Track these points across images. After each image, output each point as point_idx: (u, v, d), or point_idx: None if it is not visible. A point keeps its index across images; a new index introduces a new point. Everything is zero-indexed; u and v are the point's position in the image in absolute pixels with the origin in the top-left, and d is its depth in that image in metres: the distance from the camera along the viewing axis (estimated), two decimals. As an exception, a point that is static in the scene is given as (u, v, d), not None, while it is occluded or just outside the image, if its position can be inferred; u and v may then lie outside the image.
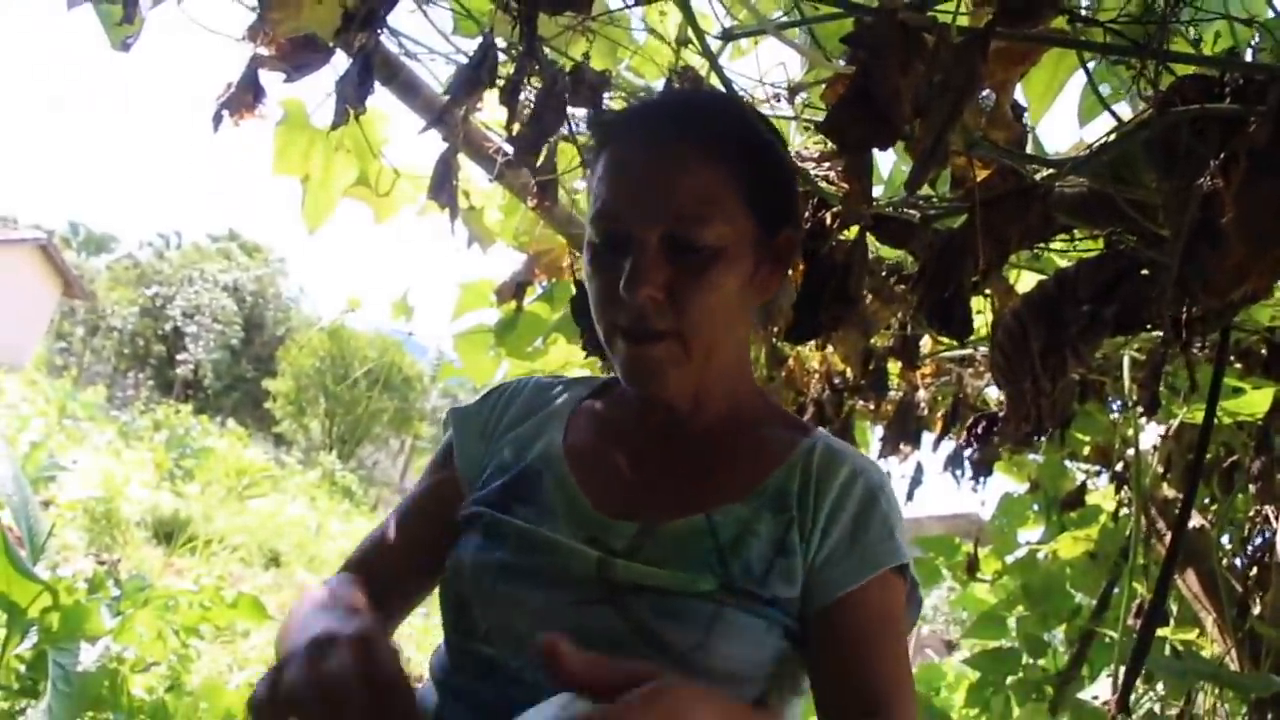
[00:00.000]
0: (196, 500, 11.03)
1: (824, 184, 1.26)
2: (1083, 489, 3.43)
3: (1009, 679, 3.45)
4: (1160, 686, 2.70)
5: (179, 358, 27.03)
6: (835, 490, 1.02)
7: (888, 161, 1.80)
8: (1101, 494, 3.65)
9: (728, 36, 1.12)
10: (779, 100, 1.33)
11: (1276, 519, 2.11)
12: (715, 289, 0.97)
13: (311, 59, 1.79)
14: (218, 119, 1.82)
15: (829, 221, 1.23)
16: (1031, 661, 3.45)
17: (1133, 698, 2.23)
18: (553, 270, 2.84)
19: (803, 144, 1.37)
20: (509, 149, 1.94)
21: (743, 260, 1.00)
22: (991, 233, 1.05)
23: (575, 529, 1.02)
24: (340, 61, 1.81)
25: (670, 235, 0.96)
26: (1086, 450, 3.31)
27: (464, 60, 1.83)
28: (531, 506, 1.05)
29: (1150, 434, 2.29)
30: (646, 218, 0.96)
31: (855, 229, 1.36)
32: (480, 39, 1.37)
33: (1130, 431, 2.52)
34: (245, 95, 1.82)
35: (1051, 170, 1.06)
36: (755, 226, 1.00)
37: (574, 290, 2.79)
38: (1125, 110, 1.31)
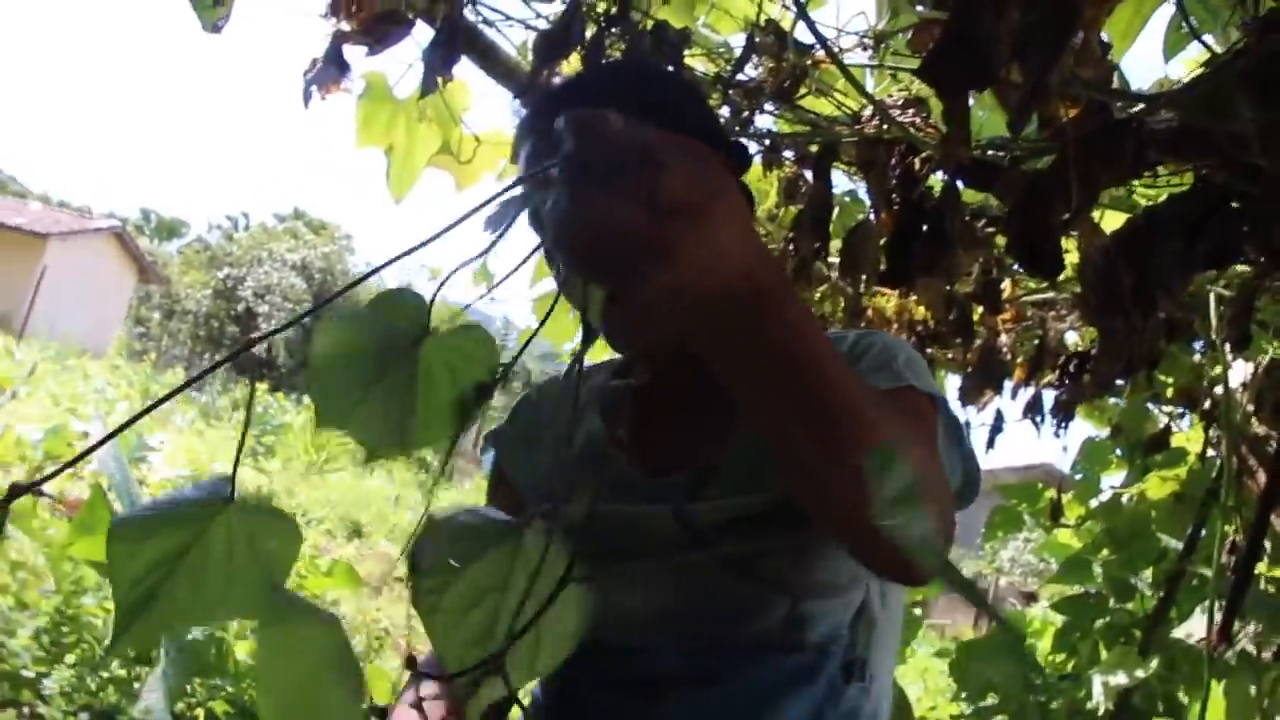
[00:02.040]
0: (278, 476, 11.31)
1: (911, 130, 1.28)
2: (1167, 431, 3.40)
3: (1096, 623, 3.45)
4: (1253, 626, 2.69)
5: (252, 337, 27.54)
6: (847, 346, 1.04)
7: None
8: (1185, 436, 3.61)
9: (815, -12, 1.14)
10: (864, 49, 1.34)
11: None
12: None
13: (393, 31, 1.83)
14: (307, 95, 1.87)
15: (917, 166, 1.25)
16: (1118, 605, 3.44)
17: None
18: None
19: (884, 90, 1.39)
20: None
21: None
22: (1083, 171, 1.06)
23: (635, 497, 1.05)
24: (420, 33, 1.87)
25: None
26: (1170, 392, 3.27)
27: (540, 25, 1.87)
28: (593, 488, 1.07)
29: (1237, 372, 2.27)
30: None
31: (937, 174, 1.38)
32: (563, 3, 1.39)
33: (1217, 370, 2.50)
34: (331, 70, 1.88)
35: (1142, 106, 1.07)
36: None
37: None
38: (1212, 43, 1.30)
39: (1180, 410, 3.42)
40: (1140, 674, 2.88)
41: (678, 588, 1.01)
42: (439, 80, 1.52)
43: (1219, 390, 2.31)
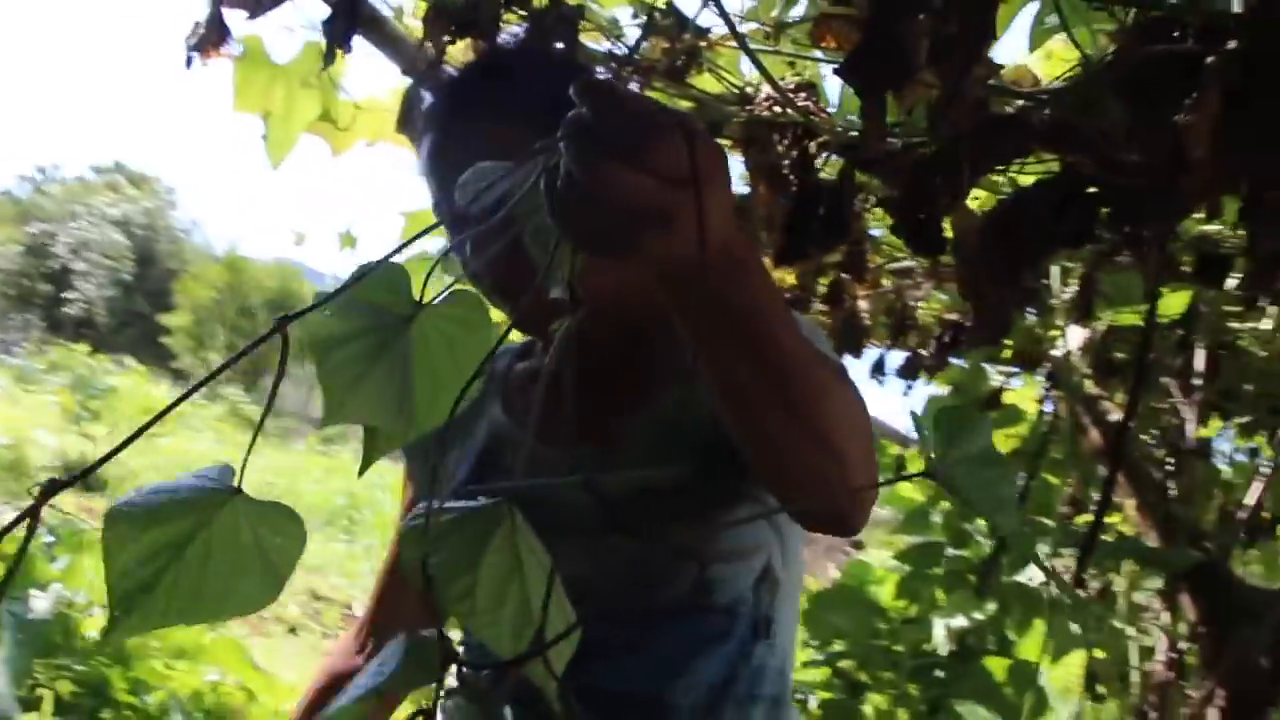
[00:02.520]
0: (105, 442, 10.80)
1: (801, 115, 1.35)
2: (1000, 390, 3.64)
3: (936, 570, 3.68)
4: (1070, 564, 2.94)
5: (68, 296, 26.08)
6: None
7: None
8: (1017, 394, 3.87)
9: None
10: (765, 35, 1.41)
11: (1188, 410, 2.31)
12: None
13: (274, -5, 1.80)
14: (189, 60, 1.82)
15: (812, 150, 1.33)
16: (955, 553, 3.68)
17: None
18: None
19: (778, 75, 1.46)
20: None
21: None
22: (973, 160, 1.15)
23: (544, 473, 1.08)
24: (301, -1, 1.84)
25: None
26: (1006, 354, 3.50)
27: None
28: (501, 476, 1.12)
29: (1073, 337, 2.46)
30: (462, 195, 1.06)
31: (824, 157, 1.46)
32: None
33: (1052, 334, 2.70)
34: (213, 35, 1.83)
35: (1024, 103, 1.17)
36: None
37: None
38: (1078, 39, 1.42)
39: (1014, 370, 3.66)
40: (978, 615, 3.11)
41: (592, 560, 1.04)
42: (338, 53, 1.51)
43: (1055, 353, 2.50)
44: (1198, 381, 2.23)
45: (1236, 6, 1.10)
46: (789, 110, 1.37)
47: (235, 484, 0.60)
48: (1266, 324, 2.29)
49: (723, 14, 1.16)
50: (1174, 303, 2.08)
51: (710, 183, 0.60)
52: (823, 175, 1.48)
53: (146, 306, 27.51)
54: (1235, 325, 2.31)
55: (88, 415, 11.17)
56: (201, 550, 0.58)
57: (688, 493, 1.04)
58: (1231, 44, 0.98)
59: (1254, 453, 3.05)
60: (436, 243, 3.30)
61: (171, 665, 3.60)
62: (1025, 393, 3.91)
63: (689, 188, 0.58)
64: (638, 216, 0.58)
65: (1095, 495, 2.80)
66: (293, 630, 7.28)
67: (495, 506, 0.65)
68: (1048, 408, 3.42)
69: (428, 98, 1.27)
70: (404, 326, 0.65)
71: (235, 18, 1.85)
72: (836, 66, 0.91)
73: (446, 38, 1.50)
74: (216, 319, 25.03)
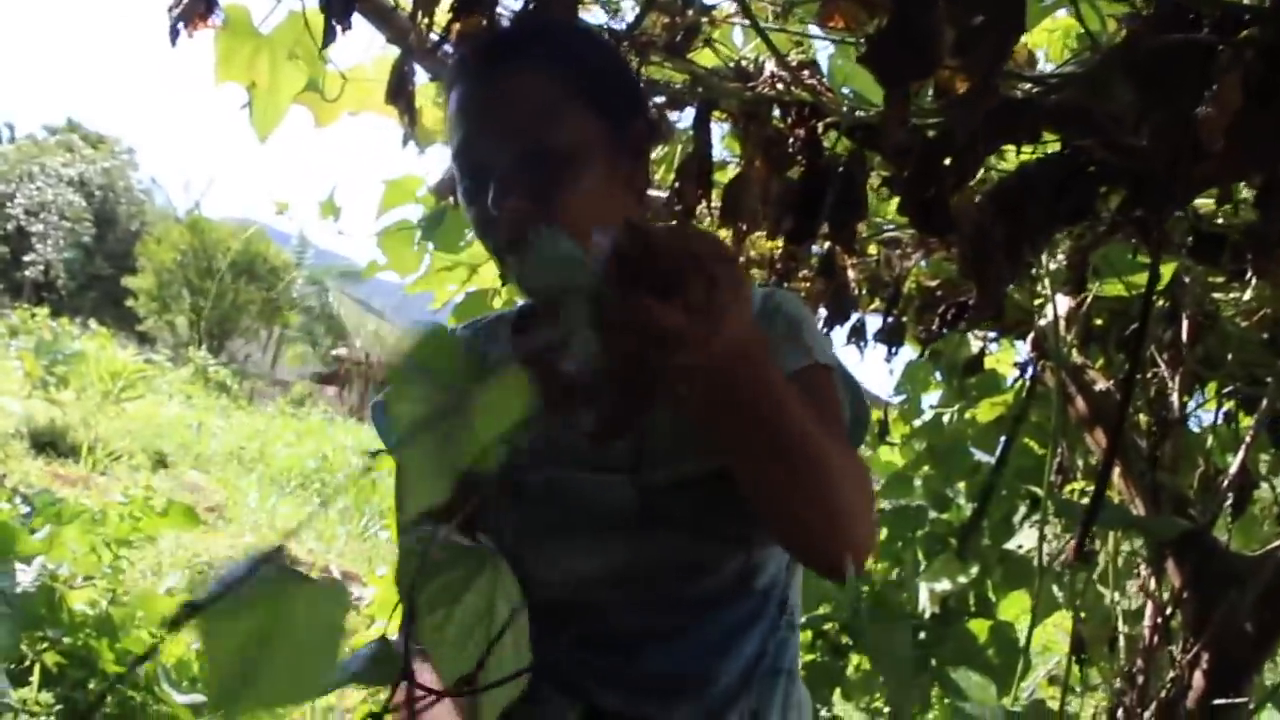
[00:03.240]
0: (72, 407, 10.69)
1: (810, 93, 1.35)
2: (981, 354, 3.67)
3: (917, 533, 3.73)
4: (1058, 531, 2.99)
5: (26, 259, 25.62)
6: (757, 309, 1.09)
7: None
8: (996, 358, 3.91)
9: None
10: (774, 14, 1.40)
11: (1172, 380, 2.34)
12: (576, 188, 1.04)
13: (262, -35, 1.77)
14: (174, 32, 1.79)
15: (819, 129, 1.33)
16: (936, 516, 3.72)
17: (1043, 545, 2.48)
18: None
19: (784, 52, 1.45)
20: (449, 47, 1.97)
21: (598, 158, 1.07)
22: (988, 141, 1.16)
23: (579, 466, 1.08)
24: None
25: (521, 151, 1.04)
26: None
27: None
28: (534, 460, 1.09)
29: (1060, 306, 2.48)
30: (498, 140, 1.05)
31: (835, 135, 1.46)
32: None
33: (1036, 303, 2.72)
34: (199, 5, 1.80)
35: (1036, 88, 1.17)
36: (603, 126, 1.08)
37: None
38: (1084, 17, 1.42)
39: (994, 335, 3.69)
40: (962, 579, 3.16)
41: (635, 552, 1.06)
42: (338, 30, 1.49)
43: (1041, 322, 2.52)
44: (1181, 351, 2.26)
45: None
46: (794, 88, 1.37)
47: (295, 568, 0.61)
48: (1248, 294, 2.32)
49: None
50: (1162, 274, 2.09)
51: (736, 307, 0.72)
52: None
53: (108, 269, 27.12)
54: (1219, 296, 2.34)
55: (53, 380, 11.03)
56: (285, 638, 0.59)
57: (728, 480, 1.05)
58: (1245, 34, 0.99)
59: (1229, 417, 3.10)
60: (416, 210, 3.28)
61: (156, 634, 3.60)
62: (1004, 356, 3.95)
63: (719, 315, 0.70)
64: (669, 340, 0.69)
65: (1081, 464, 2.84)
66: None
67: (484, 552, 0.70)
68: (1026, 372, 3.46)
69: (452, 54, 1.28)
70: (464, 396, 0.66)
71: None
72: (859, 56, 0.91)
73: (448, 15, 1.48)
74: (180, 281, 24.71)
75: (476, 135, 1.07)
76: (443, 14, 2.01)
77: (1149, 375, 2.36)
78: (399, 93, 1.93)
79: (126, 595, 3.69)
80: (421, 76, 2.36)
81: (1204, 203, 1.63)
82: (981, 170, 1.60)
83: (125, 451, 9.76)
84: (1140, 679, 2.32)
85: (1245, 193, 1.54)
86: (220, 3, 1.88)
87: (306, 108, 2.25)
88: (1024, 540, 2.90)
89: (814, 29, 1.35)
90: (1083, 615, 2.58)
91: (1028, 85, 1.22)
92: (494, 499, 1.09)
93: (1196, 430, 2.99)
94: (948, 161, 1.26)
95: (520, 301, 1.29)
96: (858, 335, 3.20)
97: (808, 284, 2.84)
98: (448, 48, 1.94)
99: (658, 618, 1.07)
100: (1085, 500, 2.69)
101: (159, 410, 12.90)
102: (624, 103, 1.14)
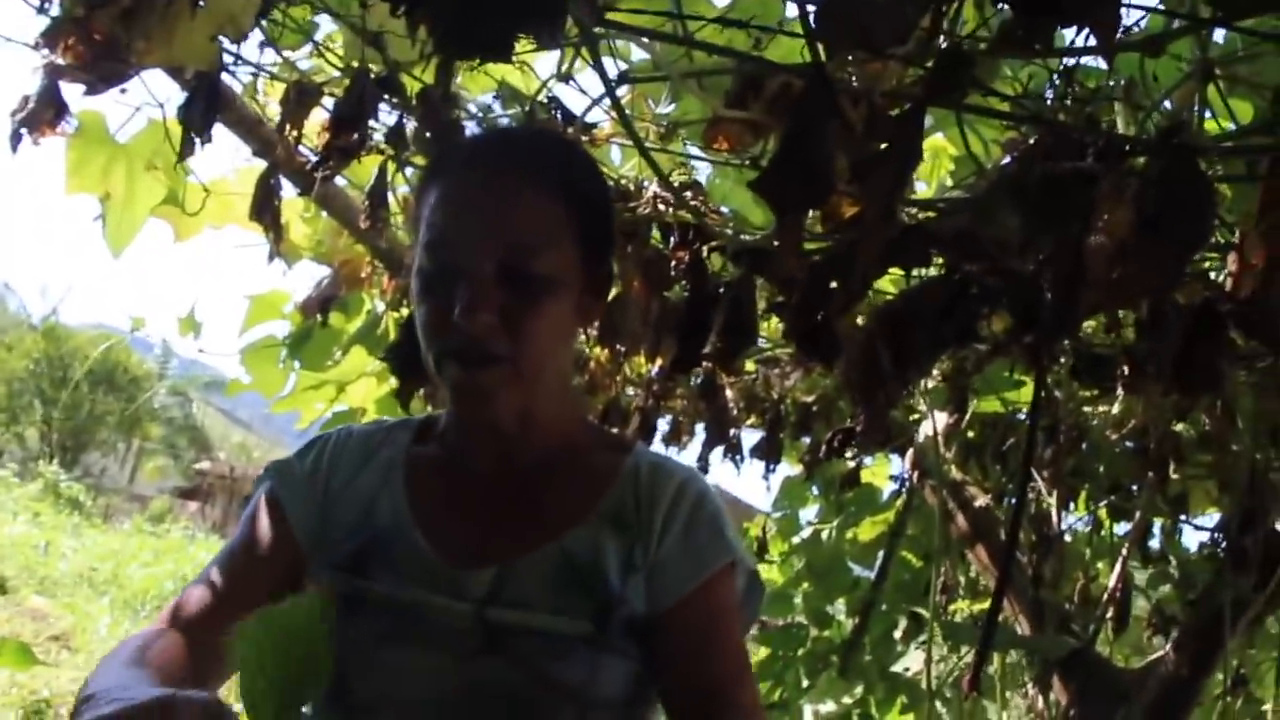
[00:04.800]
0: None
1: (694, 215, 1.32)
2: (858, 469, 3.69)
3: (799, 651, 3.68)
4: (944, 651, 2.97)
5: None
6: (667, 502, 1.08)
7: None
8: (871, 472, 3.94)
9: (624, 80, 1.15)
10: (658, 135, 1.37)
11: (1050, 494, 2.36)
12: (547, 316, 1.01)
13: (117, 69, 1.67)
14: (16, 138, 1.67)
15: (703, 252, 1.29)
16: (818, 633, 3.68)
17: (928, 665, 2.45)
18: (352, 281, 2.77)
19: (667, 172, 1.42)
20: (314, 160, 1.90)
21: (571, 290, 1.04)
22: (878, 266, 1.14)
23: (435, 587, 1.03)
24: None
25: (505, 264, 0.99)
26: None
27: (288, 76, 1.77)
28: (390, 570, 1.05)
29: (936, 423, 2.50)
30: (483, 247, 0.99)
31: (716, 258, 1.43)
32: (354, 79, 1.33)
33: (912, 419, 2.74)
34: (46, 111, 1.69)
35: (930, 214, 1.16)
36: (581, 259, 1.05)
37: (381, 301, 2.75)
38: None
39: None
40: (846, 699, 3.10)
41: (465, 683, 1.00)
42: (197, 142, 1.40)
43: (918, 438, 2.54)
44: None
45: (1121, 128, 1.12)
46: (676, 210, 1.34)
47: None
48: (1116, 408, 2.37)
49: (618, 109, 1.11)
50: (1030, 391, 2.12)
51: None
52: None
53: (-48, 379, 25.66)
54: (1087, 410, 2.39)
55: (-115, 499, 10.28)
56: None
57: (580, 641, 1.01)
58: (1131, 164, 0.99)
59: (1098, 525, 3.16)
60: (282, 326, 3.16)
61: None
62: (879, 470, 3.99)
63: None
64: None
65: (963, 579, 2.84)
66: None
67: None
68: (902, 486, 3.48)
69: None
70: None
71: (71, 92, 1.71)
72: (750, 182, 0.87)
73: (321, 129, 1.41)
74: (32, 391, 23.50)
75: (461, 230, 1.01)
76: (313, 129, 1.95)
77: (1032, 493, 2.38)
78: (264, 208, 1.84)
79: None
80: (288, 190, 2.29)
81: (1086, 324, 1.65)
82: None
83: (-39, 575, 9.09)
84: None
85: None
86: (72, 109, 1.77)
87: (165, 221, 2.15)
88: (910, 663, 2.87)
89: (696, 150, 1.32)
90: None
91: (914, 210, 1.21)
92: (356, 598, 1.04)
93: (1069, 540, 3.05)
94: (834, 286, 1.23)
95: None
96: (733, 451, 3.19)
97: (684, 403, 2.83)
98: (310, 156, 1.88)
99: None
100: (970, 620, 2.68)
101: (2, 530, 12.09)
102: (605, 241, 1.12)
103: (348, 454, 1.15)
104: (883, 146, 0.84)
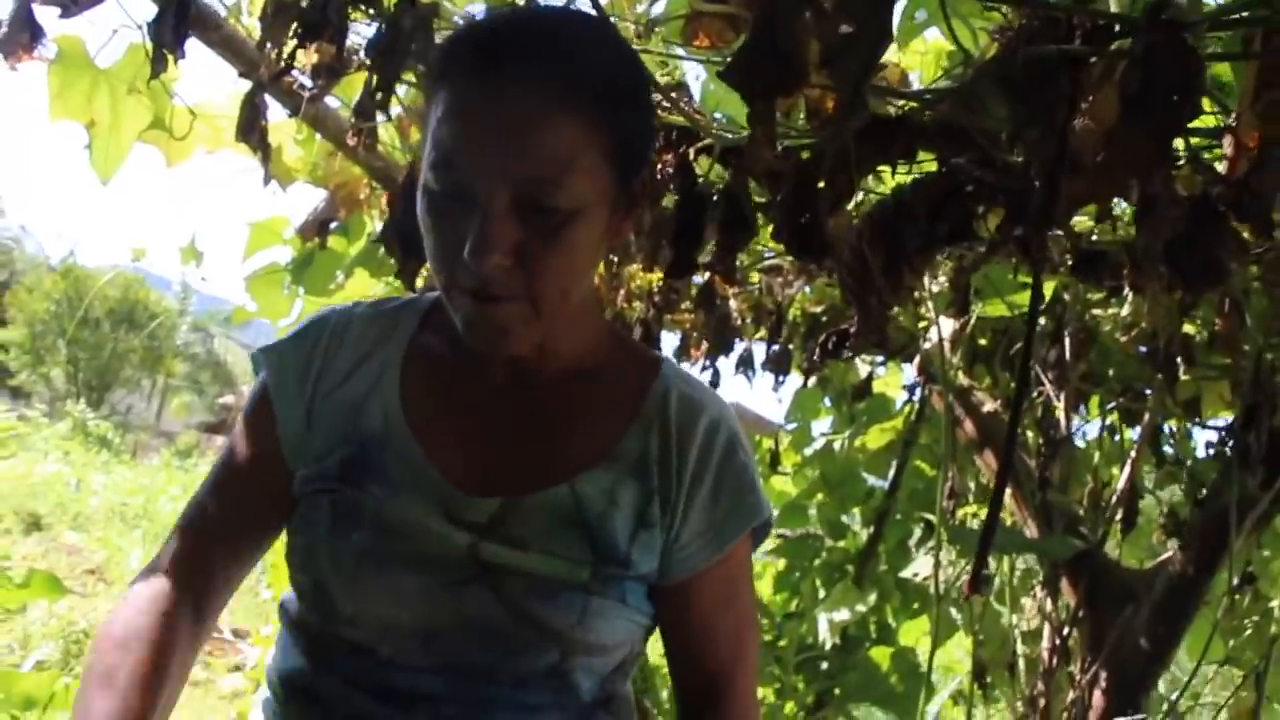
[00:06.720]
0: (-58, 467, 10.11)
1: (684, 117, 1.28)
2: (870, 379, 3.68)
3: (814, 562, 3.70)
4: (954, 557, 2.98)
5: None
6: (695, 452, 1.02)
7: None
8: (884, 382, 3.93)
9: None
10: (636, 35, 1.34)
11: (1058, 398, 2.34)
12: (571, 250, 0.89)
13: (92, -8, 1.65)
14: (-6, 64, 1.65)
15: (690, 155, 1.26)
16: (833, 544, 3.70)
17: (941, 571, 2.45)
18: (350, 203, 2.75)
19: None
20: (308, 82, 1.87)
21: (600, 214, 0.91)
22: (860, 162, 1.11)
23: (430, 505, 0.98)
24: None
25: (521, 196, 0.86)
26: (873, 344, 3.53)
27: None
28: (380, 481, 0.99)
29: (944, 328, 2.47)
30: (496, 176, 0.85)
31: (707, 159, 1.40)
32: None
33: (921, 326, 2.72)
34: (20, 35, 1.66)
35: (912, 105, 1.13)
36: (614, 178, 0.91)
37: (380, 221, 2.72)
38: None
39: (880, 359, 3.70)
40: (861, 608, 3.12)
41: (449, 611, 0.97)
42: (167, 56, 1.37)
43: (925, 345, 2.51)
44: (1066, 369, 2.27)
45: (1114, 6, 1.08)
46: (662, 112, 1.31)
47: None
48: (1125, 310, 2.34)
49: (596, 6, 1.07)
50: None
51: None
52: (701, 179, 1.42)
53: (-25, 322, 25.88)
54: (1097, 313, 2.36)
55: (-85, 442, 10.44)
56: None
57: (570, 586, 0.97)
58: (1118, 45, 0.96)
59: (1111, 431, 3.14)
60: (286, 253, 3.15)
61: (18, 716, 3.35)
62: (892, 379, 3.97)
63: None
64: None
65: (973, 485, 2.84)
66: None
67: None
68: (914, 395, 3.47)
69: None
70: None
71: (47, 15, 1.68)
72: (720, 70, 0.84)
73: (292, 40, 1.38)
74: (55, 332, 23.70)
75: (472, 153, 0.86)
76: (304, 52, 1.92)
77: (1035, 395, 2.36)
78: (250, 129, 1.82)
79: (-19, 673, 3.42)
80: (277, 111, 2.26)
81: (1082, 220, 1.62)
82: (860, 195, 1.56)
83: (-2, 514, 9.25)
84: (1042, 702, 2.30)
85: (1123, 208, 1.53)
86: (49, 33, 1.74)
87: (155, 147, 2.13)
88: (920, 568, 2.88)
89: (679, 49, 1.29)
90: (981, 639, 2.56)
91: (901, 103, 1.17)
92: (341, 512, 0.99)
93: (1081, 445, 3.03)
94: (822, 185, 1.20)
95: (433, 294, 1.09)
96: (745, 364, 3.18)
97: (689, 315, 2.80)
98: (299, 78, 1.84)
99: (450, 684, 0.97)
100: (979, 525, 2.68)
101: (34, 469, 12.26)
102: (640, 151, 0.96)
103: (350, 341, 1.06)
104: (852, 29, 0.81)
